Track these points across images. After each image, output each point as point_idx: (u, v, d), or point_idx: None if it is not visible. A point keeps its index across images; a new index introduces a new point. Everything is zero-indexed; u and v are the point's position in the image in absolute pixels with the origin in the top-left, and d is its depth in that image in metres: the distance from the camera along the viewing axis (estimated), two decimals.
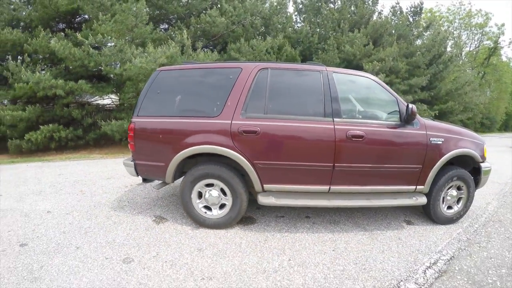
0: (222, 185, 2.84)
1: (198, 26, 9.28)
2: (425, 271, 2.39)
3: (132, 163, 3.11)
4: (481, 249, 2.83)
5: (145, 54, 7.06)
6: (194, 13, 9.37)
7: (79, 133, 8.18)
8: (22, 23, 8.65)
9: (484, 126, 29.42)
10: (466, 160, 3.30)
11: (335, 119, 2.84)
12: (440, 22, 31.78)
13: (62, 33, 8.12)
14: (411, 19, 16.04)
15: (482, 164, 3.28)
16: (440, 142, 3.05)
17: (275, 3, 10.91)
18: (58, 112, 7.90)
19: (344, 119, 2.89)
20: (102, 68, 7.58)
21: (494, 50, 33.01)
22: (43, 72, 7.60)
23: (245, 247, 2.64)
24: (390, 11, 16.03)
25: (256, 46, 9.23)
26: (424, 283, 2.21)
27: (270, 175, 2.81)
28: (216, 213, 2.94)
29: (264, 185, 2.83)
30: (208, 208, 2.97)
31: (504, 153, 11.57)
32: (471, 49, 35.18)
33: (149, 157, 3.01)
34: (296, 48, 12.02)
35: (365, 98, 3.39)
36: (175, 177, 2.99)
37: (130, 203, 3.77)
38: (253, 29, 10.30)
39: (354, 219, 3.42)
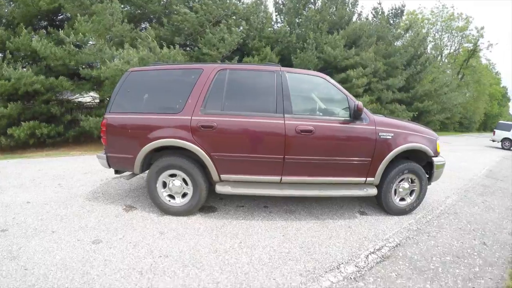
0: (183, 175, 3.20)
1: (173, 24, 9.55)
2: (367, 256, 2.63)
3: (105, 156, 3.45)
4: (429, 238, 3.08)
5: (120, 55, 7.28)
6: (173, 12, 9.65)
7: (60, 130, 8.41)
8: (4, 20, 8.77)
9: (462, 126, 31.02)
10: (420, 155, 3.55)
11: (285, 115, 3.15)
12: (422, 24, 33.20)
13: (44, 31, 8.32)
14: (391, 21, 16.70)
15: (434, 159, 3.52)
16: (389, 137, 3.31)
17: (250, 5, 11.20)
18: (38, 108, 8.12)
19: (294, 115, 3.18)
20: (80, 71, 7.81)
21: (473, 52, 34.75)
22: (24, 69, 7.78)
23: (203, 231, 2.98)
24: (372, 12, 16.72)
25: (227, 39, 9.48)
26: (364, 266, 2.46)
27: (226, 166, 3.16)
28: (179, 201, 3.31)
29: (221, 175, 3.18)
30: (172, 196, 3.33)
31: (477, 152, 12.36)
32: (451, 51, 36.99)
33: (119, 150, 3.36)
34: (275, 47, 12.43)
35: (317, 96, 3.69)
36: (142, 169, 3.35)
37: (104, 194, 4.12)
38: (228, 26, 10.57)
39: (310, 209, 3.73)
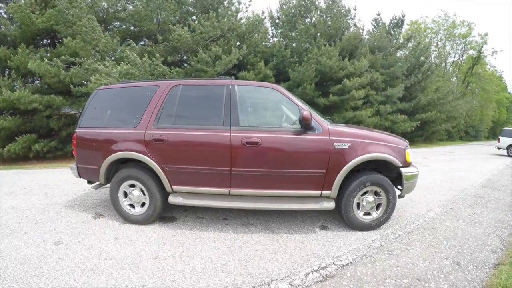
0: (141, 186, 3.63)
1: (168, 43, 10.31)
2: (308, 274, 2.57)
3: (75, 167, 3.98)
4: (390, 257, 2.91)
5: (100, 70, 7.95)
6: (167, 30, 10.46)
7: (54, 145, 9.17)
8: (9, 39, 9.78)
9: (469, 134, 30.40)
10: (389, 166, 3.41)
11: (232, 128, 3.30)
12: (425, 33, 33.48)
13: (47, 48, 9.31)
14: (392, 32, 17.04)
15: (403, 169, 3.34)
16: (346, 147, 3.23)
17: (250, 21, 11.89)
18: (38, 123, 9.00)
19: (241, 127, 3.32)
20: (72, 88, 8.63)
21: (478, 59, 34.69)
22: (23, 88, 8.70)
23: (153, 239, 3.27)
24: (372, 23, 17.14)
25: (224, 58, 10.13)
26: (299, 285, 2.41)
27: (177, 178, 3.46)
28: (138, 210, 3.71)
29: (173, 186, 3.49)
30: (132, 206, 3.73)
31: (480, 160, 11.96)
32: (455, 59, 37.25)
33: (87, 161, 3.86)
34: (270, 62, 13.02)
35: (269, 107, 3.80)
36: (107, 179, 3.82)
37: (80, 203, 4.66)
38: (225, 44, 11.29)
39: (268, 222, 3.79)
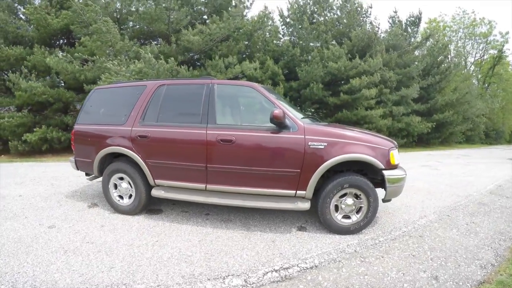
0: (128, 179, 4.01)
1: (179, 43, 10.84)
2: (266, 273, 2.61)
3: (74, 160, 4.48)
4: (361, 264, 2.81)
5: (111, 69, 8.56)
6: (178, 30, 10.98)
7: (70, 136, 9.99)
8: (26, 39, 10.66)
9: (489, 137, 28.84)
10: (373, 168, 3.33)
11: (208, 125, 3.50)
12: (444, 32, 32.35)
13: (63, 47, 10.16)
14: (409, 29, 16.69)
15: (385, 172, 3.24)
16: (322, 147, 3.21)
17: (256, 19, 12.21)
18: (53, 121, 9.82)
19: (217, 125, 3.49)
20: (84, 87, 9.34)
21: (499, 59, 33.40)
22: (37, 81, 9.54)
23: (134, 229, 3.56)
24: (388, 21, 16.85)
25: (237, 68, 10.61)
26: (254, 283, 2.46)
27: (159, 172, 3.76)
28: (126, 201, 4.08)
29: (155, 180, 3.80)
30: (121, 197, 4.13)
31: (495, 165, 11.18)
32: (476, 59, 36.00)
33: (83, 155, 4.32)
34: (280, 61, 13.23)
35: (246, 105, 3.95)
36: (100, 171, 4.23)
37: (81, 194, 5.15)
38: (234, 45, 11.67)
39: (248, 220, 3.90)
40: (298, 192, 3.35)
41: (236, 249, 3.09)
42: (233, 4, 12.36)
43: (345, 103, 13.51)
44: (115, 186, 4.18)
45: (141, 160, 3.85)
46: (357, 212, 3.43)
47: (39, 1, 9.92)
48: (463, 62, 34.27)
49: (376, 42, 14.38)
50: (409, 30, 16.69)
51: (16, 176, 6.49)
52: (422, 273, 2.68)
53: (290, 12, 14.78)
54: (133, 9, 11.12)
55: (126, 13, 11.13)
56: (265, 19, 12.22)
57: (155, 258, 2.88)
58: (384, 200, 3.48)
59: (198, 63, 12.42)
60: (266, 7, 11.70)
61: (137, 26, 11.40)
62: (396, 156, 3.43)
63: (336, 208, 3.41)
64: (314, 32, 13.20)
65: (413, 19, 16.77)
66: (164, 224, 3.80)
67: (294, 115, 3.47)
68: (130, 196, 4.11)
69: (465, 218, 4.30)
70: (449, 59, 21.16)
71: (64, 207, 4.43)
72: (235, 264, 2.76)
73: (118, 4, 10.97)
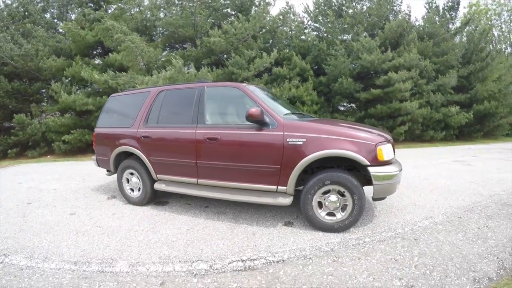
0: (137, 174, 4.68)
1: (203, 45, 11.57)
2: (232, 262, 2.82)
3: (95, 158, 5.30)
4: (331, 264, 2.76)
5: (144, 79, 9.51)
6: (203, 33, 11.75)
7: None
8: (66, 51, 12.27)
9: None
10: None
11: (198, 125, 3.91)
12: (488, 16, 28.84)
13: (99, 58, 11.58)
14: (447, 15, 15.56)
15: (371, 168, 3.15)
16: (301, 143, 3.30)
17: (278, 16, 12.48)
18: (91, 122, 11.22)
19: (205, 124, 3.88)
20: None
21: None
22: (78, 92, 10.96)
23: (138, 217, 4.12)
24: (424, 6, 15.91)
25: (257, 62, 11.03)
26: (217, 269, 2.71)
27: (159, 168, 4.29)
28: (136, 193, 4.72)
29: (157, 175, 4.33)
30: (132, 190, 4.80)
31: None
32: None
33: (102, 154, 5.09)
34: (307, 56, 13.33)
35: (232, 105, 4.19)
36: (115, 168, 4.98)
37: (105, 188, 5.99)
38: (258, 44, 12.09)
39: (240, 213, 4.16)
40: (279, 187, 3.49)
41: (217, 238, 3.37)
42: (256, 2, 12.81)
43: (376, 97, 13.19)
44: (127, 181, 4.85)
45: (145, 157, 4.45)
46: (342, 210, 3.39)
47: (76, 15, 11.41)
48: (509, 48, 30.85)
49: (410, 31, 13.80)
50: (447, 15, 15.63)
51: (55, 173, 7.65)
52: (396, 281, 2.48)
53: (315, 6, 14.82)
54: (161, 15, 12.17)
55: (154, 20, 12.21)
56: (288, 15, 12.47)
57: (144, 241, 3.37)
58: (374, 199, 3.37)
59: (222, 64, 13.12)
60: (287, 2, 11.95)
61: (166, 32, 12.43)
62: (387, 151, 3.27)
63: (320, 205, 3.43)
64: (342, 25, 13.10)
65: (451, 3, 15.70)
66: (164, 214, 4.30)
67: (275, 112, 3.62)
68: (139, 189, 4.74)
69: (478, 221, 3.83)
70: (493, 45, 19.06)
71: (88, 198, 5.24)
72: (208, 251, 3.06)
73: (148, 13, 12.09)
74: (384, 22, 13.72)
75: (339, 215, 3.39)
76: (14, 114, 11.26)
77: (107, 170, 5.42)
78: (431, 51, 14.20)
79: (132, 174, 4.77)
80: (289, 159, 3.35)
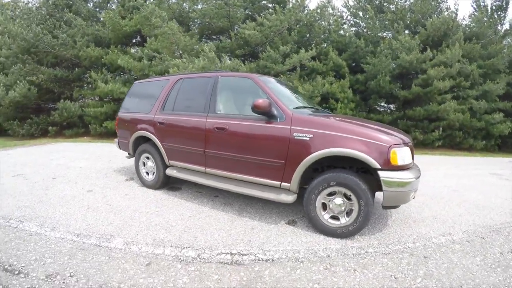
0: (152, 158, 4.85)
1: (238, 37, 11.66)
2: (221, 253, 2.83)
3: (117, 141, 5.62)
4: (321, 271, 2.58)
5: (182, 66, 9.81)
6: (237, 25, 11.86)
7: None
8: (105, 40, 13.02)
9: None
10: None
11: (209, 114, 3.94)
12: None
13: (136, 47, 12.21)
14: (495, 15, 14.06)
15: (381, 172, 2.86)
16: (307, 138, 3.13)
17: (316, 10, 12.17)
18: None
19: (216, 114, 3.89)
20: None
21: None
22: (116, 79, 11.64)
23: (148, 200, 4.27)
24: (472, 5, 14.46)
25: (294, 57, 10.96)
26: (205, 258, 2.75)
27: (171, 154, 4.42)
28: (151, 177, 4.92)
29: (169, 161, 4.51)
30: (147, 173, 5.02)
31: None
32: None
33: (122, 137, 5.36)
34: (343, 53, 12.85)
35: (244, 95, 4.13)
36: (134, 151, 5.21)
37: (125, 170, 6.31)
38: (292, 37, 11.92)
39: (246, 206, 4.12)
40: (283, 184, 3.36)
41: (214, 228, 3.38)
42: None
43: (415, 96, 12.40)
44: (144, 164, 5.07)
45: (159, 143, 4.61)
46: (347, 214, 3.15)
47: (115, 5, 12.08)
48: None
49: (455, 30, 12.74)
50: (495, 16, 14.15)
51: (87, 153, 8.21)
52: None
53: (355, 0, 14.23)
54: (199, 7, 12.46)
55: (190, 11, 12.55)
56: (327, 9, 12.16)
57: (145, 223, 3.50)
58: (384, 207, 3.04)
59: (256, 56, 13.14)
60: None
61: (201, 23, 12.72)
62: (402, 155, 2.94)
63: (324, 206, 3.23)
64: (383, 21, 12.46)
65: (499, 2, 14.17)
66: (174, 199, 4.41)
67: (284, 105, 3.47)
68: (153, 173, 4.93)
69: (503, 245, 3.30)
70: None
71: (108, 178, 5.56)
72: (201, 240, 3.08)
73: (185, 4, 12.46)
74: (428, 19, 12.82)
75: (343, 220, 3.16)
76: (61, 97, 12.18)
77: (128, 153, 5.71)
78: (477, 54, 13.02)
79: (148, 158, 4.96)
80: (294, 154, 3.20)
